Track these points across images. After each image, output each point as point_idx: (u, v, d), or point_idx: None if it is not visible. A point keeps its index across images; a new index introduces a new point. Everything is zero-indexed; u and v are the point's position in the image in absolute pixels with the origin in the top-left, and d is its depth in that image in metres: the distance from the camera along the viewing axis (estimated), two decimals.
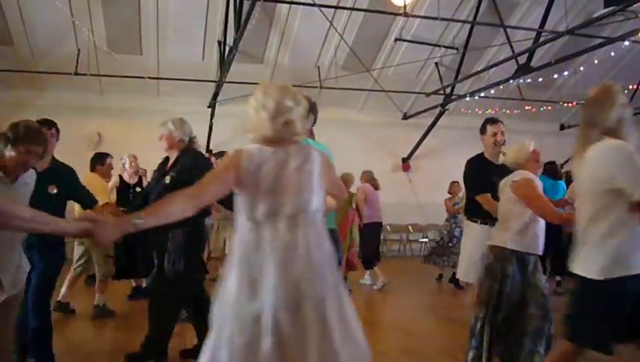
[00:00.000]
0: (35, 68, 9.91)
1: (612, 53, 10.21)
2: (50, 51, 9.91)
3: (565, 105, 12.52)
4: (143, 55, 10.44)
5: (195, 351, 3.93)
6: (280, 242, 2.18)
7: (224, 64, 9.40)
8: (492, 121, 4.49)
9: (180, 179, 3.85)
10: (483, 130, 4.46)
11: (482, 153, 4.51)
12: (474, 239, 4.33)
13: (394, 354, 4.56)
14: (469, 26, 10.11)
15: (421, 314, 6.11)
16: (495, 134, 4.37)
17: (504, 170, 4.25)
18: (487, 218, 4.24)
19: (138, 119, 9.95)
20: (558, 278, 7.54)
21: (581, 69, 10.95)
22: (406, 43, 10.95)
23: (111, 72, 9.87)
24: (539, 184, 3.68)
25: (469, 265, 4.33)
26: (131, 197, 6.50)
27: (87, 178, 5.37)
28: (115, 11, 9.58)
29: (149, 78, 10.09)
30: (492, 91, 10.88)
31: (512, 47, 8.93)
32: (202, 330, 3.86)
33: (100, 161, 6.05)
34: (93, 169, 6.03)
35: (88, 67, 9.74)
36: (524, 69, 9.17)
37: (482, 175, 4.32)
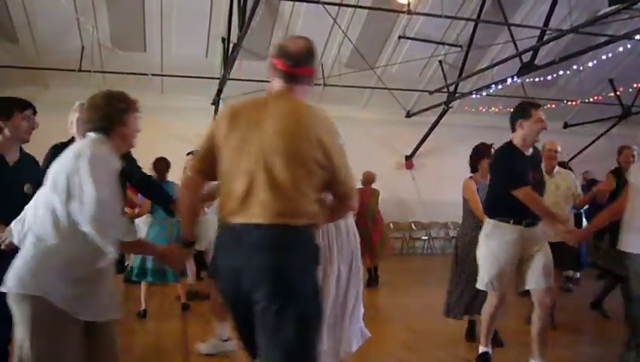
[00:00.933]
0: (39, 64, 9.95)
1: (616, 52, 10.17)
2: (54, 48, 9.93)
3: (569, 103, 12.50)
4: (147, 52, 10.46)
5: None
6: (343, 225, 3.31)
7: (228, 61, 9.41)
8: (536, 105, 3.88)
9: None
10: (525, 115, 3.78)
11: (511, 142, 3.87)
12: (505, 243, 3.72)
13: (397, 352, 4.56)
14: (473, 23, 10.09)
15: (424, 311, 6.12)
16: (542, 120, 3.76)
17: (535, 162, 3.88)
18: (521, 217, 3.70)
19: (142, 116, 9.92)
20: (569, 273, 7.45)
21: (585, 67, 10.91)
22: (410, 41, 10.93)
23: (115, 68, 9.89)
24: None
25: (501, 273, 3.73)
26: None
27: None
28: (119, 8, 9.60)
29: (152, 75, 10.11)
30: (496, 89, 10.85)
31: (516, 45, 8.91)
32: None
33: None
34: None
35: (92, 64, 9.76)
36: (528, 67, 9.15)
37: (518, 166, 3.72)
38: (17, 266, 2.17)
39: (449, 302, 4.78)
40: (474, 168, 4.90)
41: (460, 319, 4.72)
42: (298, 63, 2.28)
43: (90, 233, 2.14)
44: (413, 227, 13.10)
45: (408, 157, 13.44)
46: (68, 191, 2.14)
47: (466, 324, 4.86)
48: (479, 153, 4.85)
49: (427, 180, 13.06)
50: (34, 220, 2.25)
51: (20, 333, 2.15)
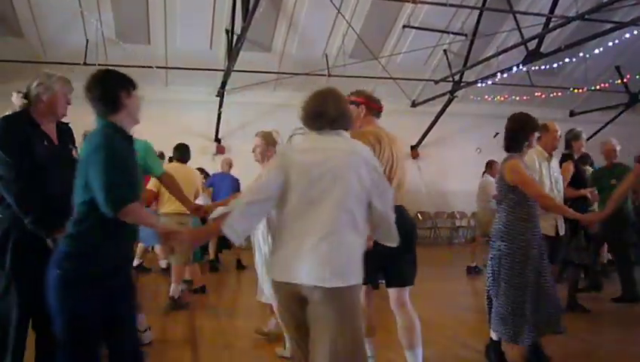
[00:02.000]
0: (44, 59, 9.97)
1: (623, 38, 10.09)
2: (59, 42, 9.95)
3: (575, 91, 12.42)
4: (151, 44, 10.47)
5: None
6: None
7: (232, 53, 9.40)
8: None
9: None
10: None
11: None
12: None
13: None
14: (477, 11, 10.02)
15: (430, 301, 6.11)
16: None
17: None
18: None
19: (147, 108, 9.84)
20: None
21: (592, 54, 10.83)
22: (414, 30, 10.89)
23: (119, 61, 9.86)
24: None
25: None
26: None
27: None
28: (123, 1, 9.59)
29: (157, 67, 10.11)
30: (501, 77, 10.80)
31: (521, 33, 8.86)
32: None
33: None
34: None
35: (97, 57, 9.77)
36: (533, 55, 9.10)
37: None
38: (333, 261, 2.20)
39: (519, 323, 3.47)
40: (516, 146, 3.67)
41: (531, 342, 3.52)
42: (380, 104, 3.48)
43: (390, 223, 2.45)
44: (419, 217, 13.08)
45: (414, 147, 13.42)
46: (369, 189, 2.30)
47: (475, 317, 4.81)
48: (529, 126, 3.68)
49: (433, 170, 13.04)
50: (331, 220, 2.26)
51: (336, 327, 2.17)
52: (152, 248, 8.27)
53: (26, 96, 2.91)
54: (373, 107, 3.40)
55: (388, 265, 3.27)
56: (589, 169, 6.77)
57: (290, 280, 2.23)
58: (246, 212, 2.32)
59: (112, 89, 2.60)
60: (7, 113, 2.94)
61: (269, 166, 2.44)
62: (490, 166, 8.17)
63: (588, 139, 12.51)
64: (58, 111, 2.98)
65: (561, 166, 5.05)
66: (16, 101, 2.90)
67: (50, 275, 2.36)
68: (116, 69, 2.45)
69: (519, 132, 3.66)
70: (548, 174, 4.69)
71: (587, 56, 10.90)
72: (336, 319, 2.19)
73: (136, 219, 2.46)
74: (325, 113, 2.38)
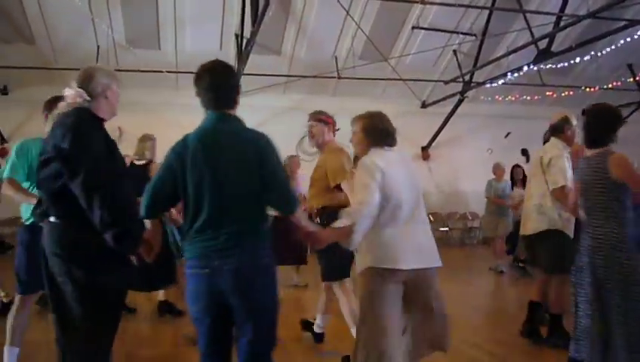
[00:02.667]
0: (56, 65, 10.07)
1: (635, 36, 10.00)
2: (70, 48, 10.04)
3: (587, 90, 12.32)
4: (162, 49, 10.53)
5: None
6: None
7: (242, 56, 9.44)
8: None
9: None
10: None
11: None
12: None
13: None
14: (487, 11, 9.98)
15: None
16: None
17: None
18: None
19: (158, 113, 10.03)
20: None
21: (603, 52, 10.74)
22: (423, 31, 10.85)
23: (130, 67, 9.97)
24: None
25: None
26: None
27: None
28: (133, 7, 9.67)
29: (167, 72, 10.16)
30: (512, 77, 10.74)
31: (531, 32, 8.81)
32: None
33: None
34: None
35: (108, 62, 9.85)
36: (544, 54, 9.05)
37: None
38: (434, 247, 2.94)
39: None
40: (610, 140, 3.25)
41: None
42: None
43: None
44: (431, 218, 13.03)
45: (424, 148, 13.37)
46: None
47: (484, 318, 4.80)
48: (617, 118, 3.37)
49: (444, 171, 12.99)
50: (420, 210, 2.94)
51: (436, 293, 3.00)
52: None
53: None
54: (335, 127, 4.14)
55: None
56: None
57: (403, 267, 2.74)
58: (363, 226, 2.71)
59: (237, 83, 2.66)
60: (58, 112, 2.58)
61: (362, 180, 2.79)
62: None
63: None
64: (115, 110, 2.72)
65: None
66: (76, 96, 2.58)
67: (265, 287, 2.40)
68: (128, 74, 2.46)
69: (615, 124, 3.29)
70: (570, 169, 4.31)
71: (599, 54, 10.81)
72: (436, 288, 2.97)
73: (299, 218, 2.62)
74: (392, 132, 2.98)
